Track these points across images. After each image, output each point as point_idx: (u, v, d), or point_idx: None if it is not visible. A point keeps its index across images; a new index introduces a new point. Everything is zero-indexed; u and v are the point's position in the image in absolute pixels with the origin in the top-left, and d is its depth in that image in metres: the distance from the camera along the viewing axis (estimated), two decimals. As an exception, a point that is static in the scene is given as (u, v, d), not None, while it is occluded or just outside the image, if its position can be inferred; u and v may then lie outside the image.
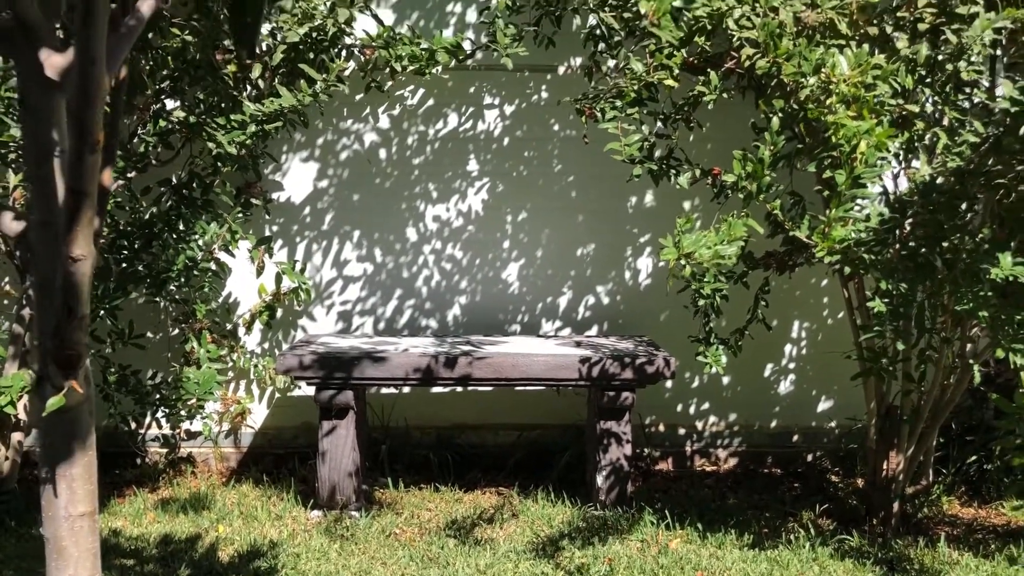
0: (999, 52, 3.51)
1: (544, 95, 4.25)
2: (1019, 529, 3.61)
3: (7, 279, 4.13)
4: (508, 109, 4.27)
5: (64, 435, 1.40)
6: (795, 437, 4.40)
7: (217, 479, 4.15)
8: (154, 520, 3.61)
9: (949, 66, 3.22)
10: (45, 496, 1.42)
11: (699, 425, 4.41)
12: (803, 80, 3.02)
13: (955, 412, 3.84)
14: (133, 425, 4.05)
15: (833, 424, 4.37)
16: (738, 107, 3.72)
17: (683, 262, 2.88)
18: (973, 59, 3.19)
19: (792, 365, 4.37)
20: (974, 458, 3.95)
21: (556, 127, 4.26)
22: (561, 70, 4.23)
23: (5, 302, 4.13)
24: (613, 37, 3.61)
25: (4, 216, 1.37)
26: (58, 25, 1.47)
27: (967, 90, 3.37)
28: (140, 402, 3.88)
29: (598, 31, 3.66)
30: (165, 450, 4.18)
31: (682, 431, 4.42)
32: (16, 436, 3.72)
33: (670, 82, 3.16)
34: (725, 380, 4.35)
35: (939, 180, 3.01)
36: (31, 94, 1.32)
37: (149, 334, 4.16)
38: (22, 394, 3.52)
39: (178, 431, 4.18)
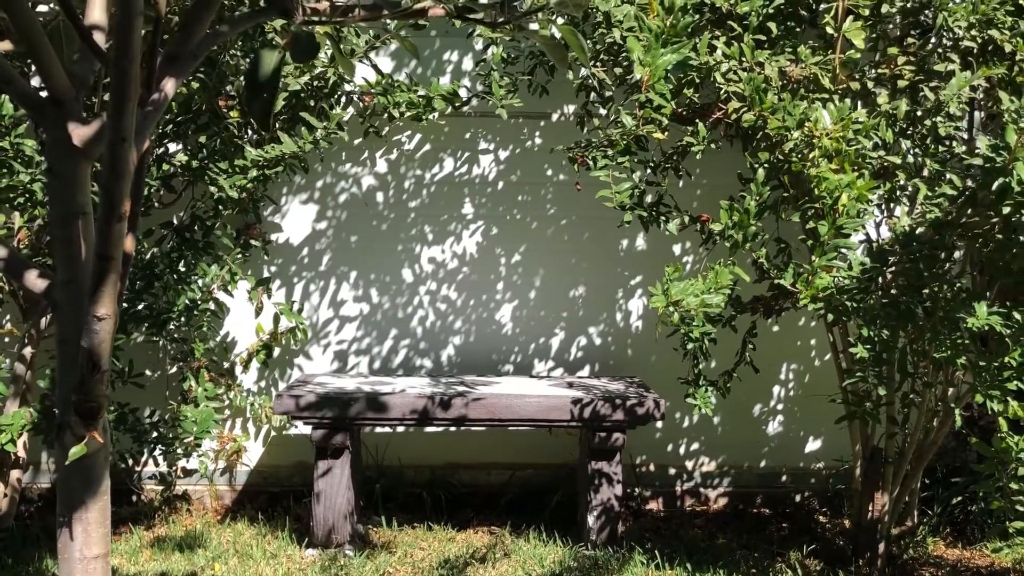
0: (976, 106, 3.65)
1: (538, 141, 4.37)
2: (1003, 570, 3.67)
3: (8, 317, 4.20)
4: (503, 154, 4.38)
5: (81, 481, 1.47)
6: (784, 478, 4.47)
7: (212, 517, 4.19)
8: (150, 558, 3.65)
9: (928, 121, 3.34)
10: (61, 539, 1.49)
11: (689, 465, 4.48)
12: (787, 133, 3.13)
13: (939, 454, 3.92)
14: (130, 462, 4.10)
15: (821, 465, 4.44)
16: (726, 154, 3.84)
17: (671, 309, 2.97)
18: (952, 112, 3.30)
19: (780, 407, 4.45)
20: (959, 499, 4.02)
21: (549, 172, 4.38)
22: (554, 117, 4.35)
23: (6, 340, 4.19)
24: (604, 91, 3.73)
25: (29, 274, 1.45)
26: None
27: (947, 142, 3.48)
28: (138, 440, 3.92)
29: (589, 82, 3.79)
30: (161, 487, 4.22)
31: (672, 471, 4.48)
32: (15, 474, 3.77)
33: (659, 135, 3.26)
34: (715, 421, 4.43)
35: (919, 231, 3.12)
36: (58, 160, 1.41)
37: (148, 372, 4.22)
38: (22, 432, 3.57)
39: (174, 469, 4.22)
